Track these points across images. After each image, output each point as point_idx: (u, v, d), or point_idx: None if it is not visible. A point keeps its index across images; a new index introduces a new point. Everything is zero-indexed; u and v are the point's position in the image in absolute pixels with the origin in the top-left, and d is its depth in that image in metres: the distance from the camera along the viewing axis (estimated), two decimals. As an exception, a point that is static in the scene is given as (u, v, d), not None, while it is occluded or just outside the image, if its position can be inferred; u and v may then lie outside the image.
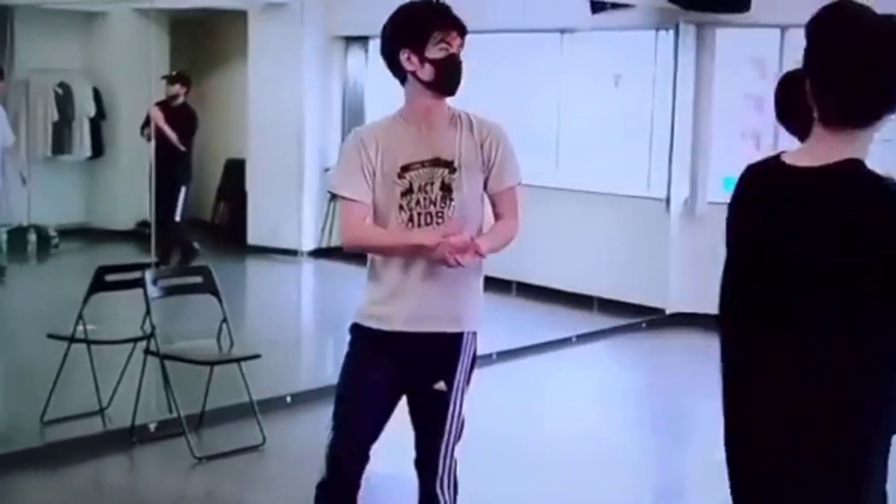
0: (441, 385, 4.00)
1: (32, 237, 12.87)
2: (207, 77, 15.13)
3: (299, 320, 11.24)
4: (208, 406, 6.73)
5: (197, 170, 14.83)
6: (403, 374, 4.00)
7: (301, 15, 12.79)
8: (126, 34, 14.13)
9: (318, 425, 7.34)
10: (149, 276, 6.67)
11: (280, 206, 13.21)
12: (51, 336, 6.94)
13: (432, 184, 3.93)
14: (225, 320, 6.66)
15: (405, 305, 3.93)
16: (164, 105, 11.44)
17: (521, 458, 6.65)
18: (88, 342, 6.76)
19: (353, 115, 13.30)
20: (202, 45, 14.83)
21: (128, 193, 13.31)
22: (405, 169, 3.92)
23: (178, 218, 11.52)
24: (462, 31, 3.96)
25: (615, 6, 10.21)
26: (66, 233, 12.97)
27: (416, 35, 3.89)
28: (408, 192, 3.92)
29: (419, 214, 3.93)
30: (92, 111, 14.26)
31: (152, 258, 9.48)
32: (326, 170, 13.19)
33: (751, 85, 11.12)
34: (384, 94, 13.15)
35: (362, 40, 13.21)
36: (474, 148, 3.98)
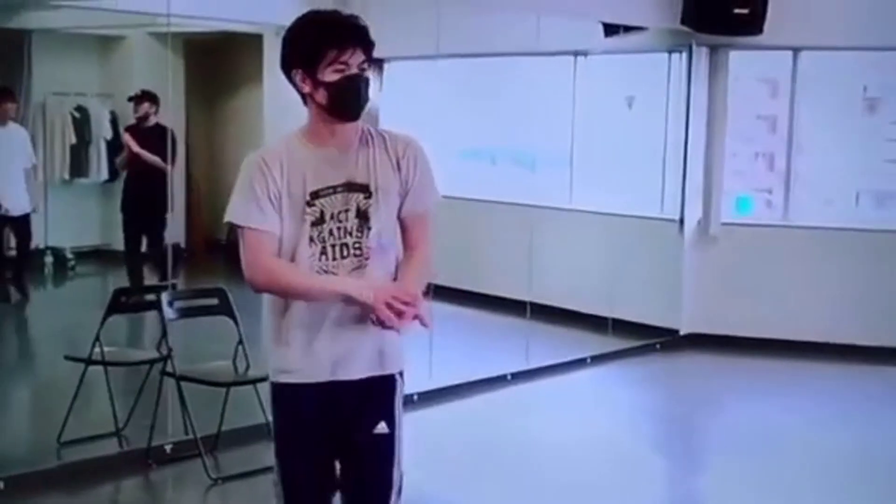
0: (382, 427, 3.57)
1: (49, 259, 12.90)
2: (223, 100, 15.25)
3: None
4: (224, 427, 6.72)
5: (212, 191, 14.96)
6: (337, 425, 3.54)
7: (316, 38, 12.91)
8: (142, 58, 14.19)
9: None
10: (165, 297, 6.68)
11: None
12: (68, 357, 6.96)
13: (347, 211, 3.46)
14: (241, 342, 6.68)
15: (325, 353, 3.47)
16: (136, 128, 11.13)
17: (536, 479, 6.64)
18: (105, 364, 6.77)
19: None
20: (217, 69, 14.91)
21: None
22: (315, 195, 3.44)
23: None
24: (364, 44, 3.41)
25: (628, 29, 10.24)
26: (83, 255, 13.02)
27: (308, 55, 3.39)
28: (319, 221, 3.44)
29: (333, 246, 3.45)
30: (109, 134, 14.29)
31: (169, 280, 9.51)
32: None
33: (763, 106, 11.13)
34: (399, 115, 13.23)
35: (377, 62, 13.24)
36: (390, 168, 3.51)
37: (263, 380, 6.52)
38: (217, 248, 14.25)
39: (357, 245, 3.46)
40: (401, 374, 3.65)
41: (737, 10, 9.81)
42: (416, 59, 12.69)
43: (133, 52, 14.35)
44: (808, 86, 10.62)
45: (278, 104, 13.64)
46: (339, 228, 3.44)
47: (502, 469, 6.71)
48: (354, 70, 3.38)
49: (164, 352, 6.61)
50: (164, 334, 6.61)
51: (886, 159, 10.91)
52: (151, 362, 6.87)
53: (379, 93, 13.39)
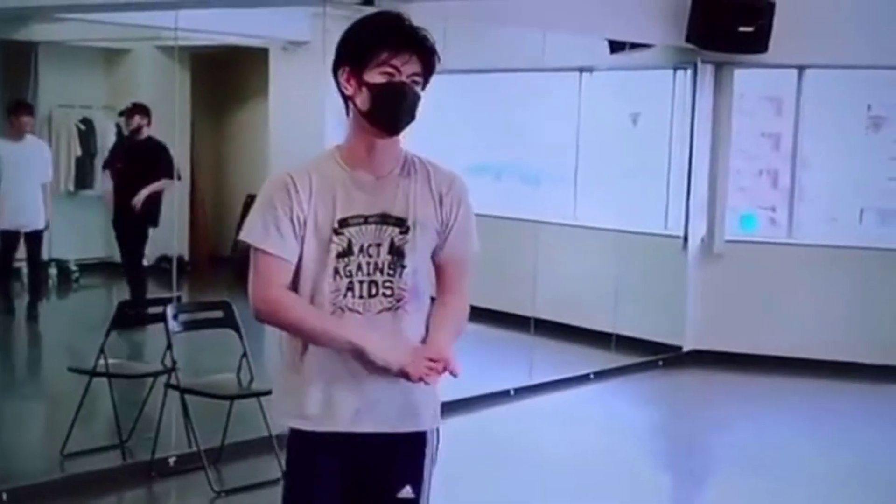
0: (407, 491, 3.17)
1: (53, 271, 12.91)
2: (228, 114, 15.29)
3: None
4: (228, 440, 6.72)
5: (216, 205, 14.99)
6: (356, 483, 3.14)
7: (323, 53, 12.91)
8: (148, 71, 14.25)
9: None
10: (170, 310, 6.68)
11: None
12: (72, 370, 6.96)
13: (379, 245, 3.04)
14: (245, 354, 6.66)
15: (347, 399, 3.05)
16: (128, 141, 11.19)
17: (538, 495, 6.65)
18: (109, 376, 6.75)
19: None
20: (223, 83, 14.95)
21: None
22: (343, 223, 3.03)
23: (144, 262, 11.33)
24: (423, 54, 3.03)
25: (633, 46, 10.27)
26: (87, 267, 13.03)
27: (358, 50, 3.03)
28: (346, 253, 3.03)
29: (361, 283, 3.03)
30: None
31: (173, 293, 9.52)
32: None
33: (768, 124, 11.23)
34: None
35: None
36: (432, 204, 3.09)
37: (267, 393, 6.55)
38: (221, 262, 14.28)
39: (388, 284, 3.04)
40: (436, 431, 3.24)
41: (742, 28, 9.83)
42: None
43: (139, 65, 14.40)
44: (812, 104, 10.65)
45: (284, 118, 13.78)
46: (368, 263, 3.03)
47: (504, 484, 6.72)
48: (403, 78, 3.00)
49: (169, 364, 6.60)
50: (169, 347, 6.58)
51: (890, 177, 10.97)
52: (155, 375, 6.86)
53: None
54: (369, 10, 11.46)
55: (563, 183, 11.79)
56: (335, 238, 3.02)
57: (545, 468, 7.18)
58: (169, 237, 10.92)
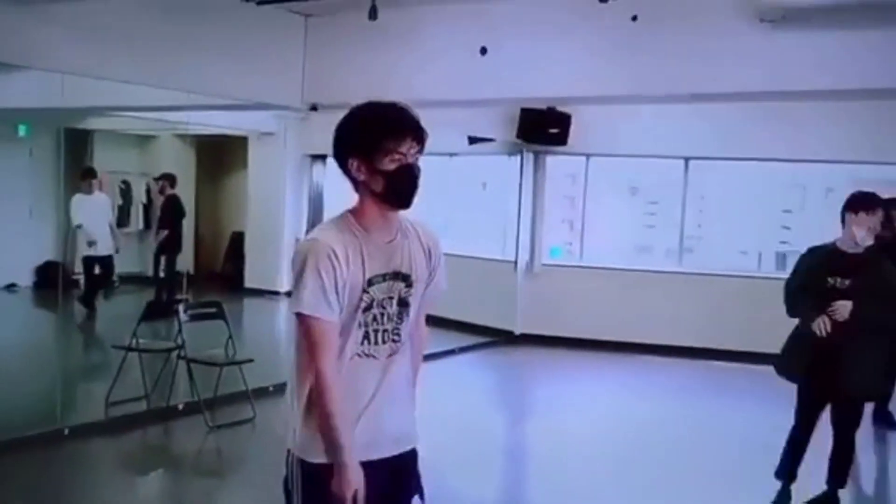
0: (417, 502, 2.64)
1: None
2: (221, 179, 15.21)
3: (278, 337, 11.27)
4: (218, 393, 6.70)
5: (212, 239, 14.91)
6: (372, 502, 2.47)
7: (284, 140, 13.00)
8: (168, 149, 14.14)
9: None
10: (181, 307, 6.73)
11: (266, 262, 13.31)
12: (114, 346, 6.92)
13: (391, 299, 2.49)
14: (230, 337, 6.70)
15: (362, 435, 2.44)
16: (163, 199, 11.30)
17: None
18: (140, 350, 6.73)
19: (315, 205, 13.47)
20: (218, 158, 14.84)
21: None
22: (370, 282, 2.45)
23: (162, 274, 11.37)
24: (418, 136, 2.46)
25: (483, 140, 10.35)
26: (125, 278, 12.81)
27: (367, 144, 2.43)
28: (369, 307, 2.46)
29: (375, 332, 2.48)
30: (144, 199, 14.28)
31: (183, 295, 9.48)
32: (297, 239, 13.31)
33: (568, 190, 11.19)
34: (336, 194, 13.32)
35: (322, 157, 13.38)
36: (424, 259, 2.59)
37: (245, 362, 6.60)
38: (215, 276, 14.23)
39: (396, 331, 2.51)
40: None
41: (551, 130, 9.99)
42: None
43: (162, 146, 14.28)
44: (594, 178, 10.81)
45: (257, 183, 13.76)
46: (382, 314, 2.48)
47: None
48: (409, 160, 2.45)
49: (180, 343, 6.62)
50: (180, 331, 6.60)
51: (644, 224, 11.29)
52: (170, 350, 6.84)
53: (323, 177, 13.51)
54: (316, 113, 11.55)
55: (439, 225, 11.88)
56: (364, 296, 2.44)
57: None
58: (182, 259, 10.93)
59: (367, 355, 2.47)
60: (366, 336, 2.46)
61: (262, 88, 10.03)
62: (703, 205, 10.89)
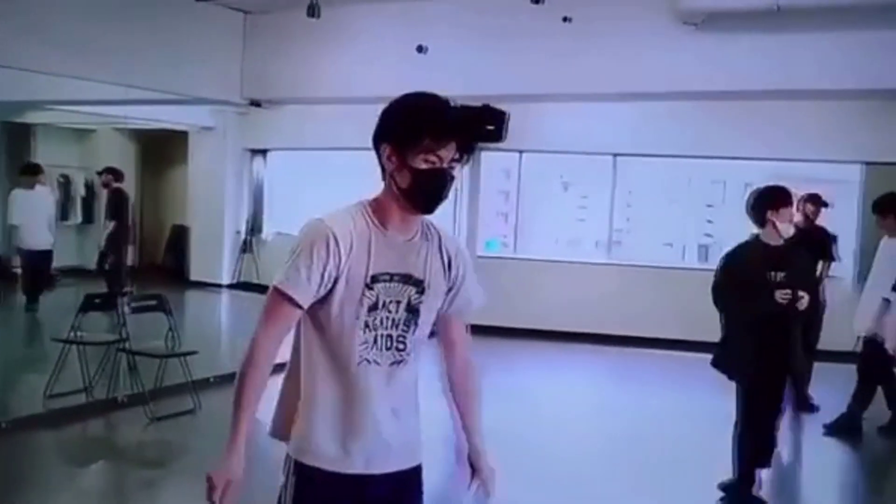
0: None
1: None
2: (162, 173, 14.97)
3: (220, 328, 11.16)
4: (160, 385, 6.59)
5: (154, 232, 14.67)
6: None
7: (224, 135, 12.84)
8: (108, 143, 13.92)
9: (232, 397, 7.40)
10: (122, 299, 6.60)
11: (208, 255, 13.13)
12: (53, 339, 6.77)
13: (399, 302, 2.18)
14: (172, 328, 6.60)
15: (362, 444, 2.19)
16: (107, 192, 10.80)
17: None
18: (80, 343, 6.58)
19: (256, 199, 13.35)
20: (159, 152, 14.62)
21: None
22: (374, 280, 2.16)
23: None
24: (462, 139, 2.14)
25: None
26: (65, 272, 12.54)
27: (404, 136, 2.13)
28: (374, 307, 2.16)
29: (381, 336, 2.18)
30: (83, 193, 14.05)
31: (126, 288, 9.32)
32: (238, 232, 13.19)
33: (502, 185, 11.23)
34: (277, 188, 13.22)
35: (263, 152, 13.25)
36: (441, 268, 2.25)
37: (187, 353, 6.51)
38: (157, 268, 14.00)
39: (401, 339, 2.20)
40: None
41: (488, 127, 10.10)
42: (287, 150, 12.73)
43: (102, 140, 14.07)
44: (527, 173, 10.90)
45: (197, 177, 13.59)
46: (388, 318, 2.18)
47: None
48: (444, 165, 2.13)
49: (121, 335, 6.49)
50: (122, 323, 6.47)
51: (575, 218, 11.40)
52: (111, 343, 6.70)
53: (263, 171, 13.38)
54: (257, 109, 11.41)
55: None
56: (367, 293, 2.15)
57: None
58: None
59: (372, 361, 2.18)
60: (375, 340, 2.17)
61: (201, 84, 9.91)
62: (630, 199, 11.06)
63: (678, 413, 7.28)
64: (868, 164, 9.58)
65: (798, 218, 6.86)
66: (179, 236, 14.08)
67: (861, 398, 6.39)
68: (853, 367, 6.50)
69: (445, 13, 8.64)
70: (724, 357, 4.78)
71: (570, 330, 10.11)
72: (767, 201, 4.62)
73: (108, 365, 6.68)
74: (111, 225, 10.19)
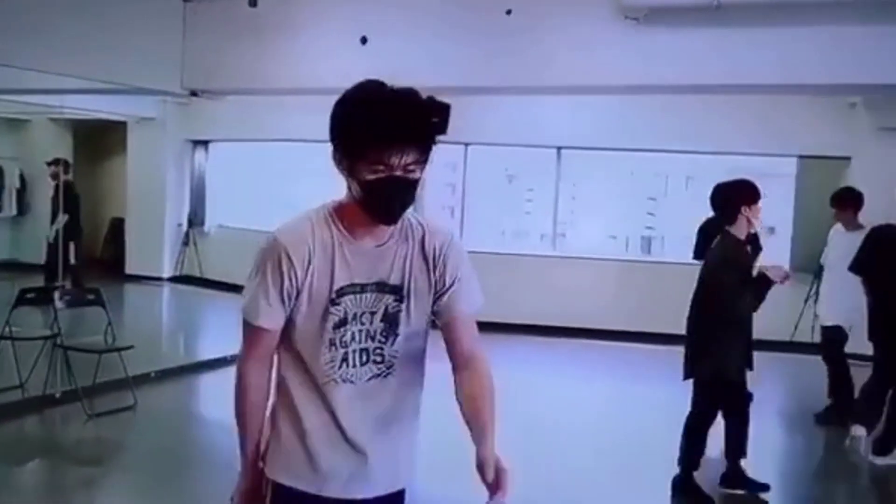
0: None
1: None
2: (99, 164, 14.67)
3: (161, 323, 11.00)
4: (97, 380, 6.45)
5: (91, 224, 14.34)
6: None
7: (164, 125, 12.62)
8: (43, 134, 13.61)
9: (173, 392, 7.28)
10: (57, 294, 6.47)
11: (148, 248, 12.94)
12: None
13: (373, 313, 1.98)
14: (109, 323, 6.52)
15: (337, 466, 2.02)
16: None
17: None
18: (13, 339, 6.43)
19: (197, 191, 13.16)
20: (96, 143, 14.32)
21: (42, 238, 12.84)
22: (340, 293, 1.95)
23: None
24: (418, 142, 1.92)
25: None
26: (-1, 265, 12.27)
27: (348, 146, 1.90)
28: (342, 323, 1.96)
29: (354, 352, 1.99)
30: (18, 185, 13.74)
31: (59, 283, 9.11)
32: (179, 225, 12.99)
33: (448, 178, 11.33)
34: (219, 180, 13.04)
35: (204, 143, 13.07)
36: (425, 268, 2.02)
37: (125, 348, 6.44)
38: (95, 262, 13.71)
39: (379, 351, 2.01)
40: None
41: (433, 120, 10.12)
42: (230, 142, 12.59)
43: (36, 130, 13.77)
44: (473, 165, 10.97)
45: (136, 168, 13.34)
46: (361, 331, 1.98)
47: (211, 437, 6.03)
48: (398, 172, 1.87)
49: (56, 330, 6.37)
50: (56, 319, 6.35)
51: (521, 210, 11.54)
52: (46, 338, 6.57)
53: (205, 162, 13.20)
54: (199, 99, 11.27)
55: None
56: (332, 308, 1.95)
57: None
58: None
59: (343, 380, 1.99)
60: (344, 358, 1.98)
61: (140, 73, 9.69)
62: (575, 192, 11.20)
63: (624, 403, 7.39)
64: (801, 157, 9.85)
65: None
66: (119, 229, 13.85)
67: (838, 384, 6.55)
68: (788, 356, 6.68)
69: (389, 4, 8.59)
70: (718, 361, 4.63)
71: (515, 322, 10.19)
72: (743, 196, 4.66)
73: (43, 361, 6.53)
74: (64, 218, 10.06)
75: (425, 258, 2.03)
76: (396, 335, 2.02)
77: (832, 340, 6.58)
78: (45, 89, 10.08)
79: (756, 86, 7.32)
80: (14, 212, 13.78)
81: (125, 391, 6.42)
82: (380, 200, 1.90)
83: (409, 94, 1.90)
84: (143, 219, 12.97)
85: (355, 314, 1.97)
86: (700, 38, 7.27)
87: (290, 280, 1.92)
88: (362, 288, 1.97)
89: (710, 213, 7.11)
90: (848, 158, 9.44)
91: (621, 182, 11.16)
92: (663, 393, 6.22)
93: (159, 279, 12.80)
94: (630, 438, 6.27)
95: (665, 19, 7.14)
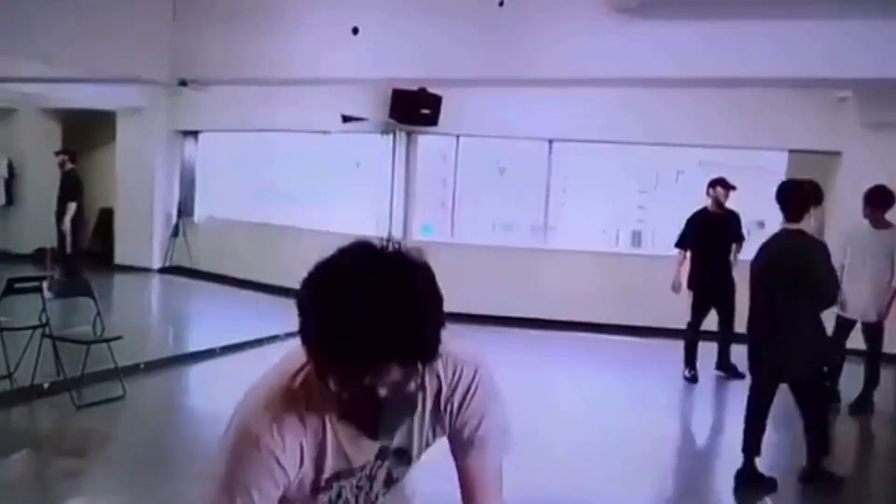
0: None
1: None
2: (88, 154, 14.55)
3: (149, 313, 10.96)
4: (86, 371, 6.43)
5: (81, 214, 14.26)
6: None
7: (154, 115, 12.56)
8: (31, 123, 13.52)
9: (162, 383, 7.25)
10: (45, 284, 6.41)
11: (137, 238, 12.88)
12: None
13: (372, 480, 1.66)
14: (98, 314, 6.50)
15: None
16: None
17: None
18: (2, 329, 6.41)
19: (187, 181, 13.11)
20: (85, 133, 14.21)
21: (31, 228, 12.78)
22: (336, 477, 1.60)
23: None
24: (409, 359, 1.38)
25: (356, 119, 10.34)
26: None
27: (315, 353, 1.39)
28: (334, 500, 1.63)
29: None
30: (6, 174, 13.64)
31: (48, 272, 9.06)
32: (169, 215, 12.94)
33: (440, 170, 11.31)
34: (209, 170, 12.98)
35: (194, 133, 13.01)
36: (438, 424, 1.64)
37: (113, 339, 6.42)
38: (83, 252, 13.62)
39: (377, 500, 1.71)
40: None
41: (423, 111, 10.07)
42: (220, 132, 12.54)
43: (24, 120, 13.67)
44: (465, 157, 10.98)
45: (125, 157, 13.26)
46: (357, 496, 1.66)
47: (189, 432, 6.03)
48: (381, 391, 1.38)
49: (44, 320, 6.33)
50: (44, 308, 6.32)
51: (512, 203, 11.52)
52: (34, 328, 6.51)
53: (195, 153, 13.14)
54: (188, 88, 11.20)
55: (313, 202, 11.83)
56: (322, 493, 1.61)
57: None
58: (48, 236, 10.42)
59: None
60: None
61: (127, 62, 9.61)
62: (566, 185, 11.20)
63: (612, 395, 7.41)
64: (792, 151, 9.87)
65: (708, 202, 7.08)
66: (108, 220, 13.79)
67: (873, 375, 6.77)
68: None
69: (381, -5, 8.57)
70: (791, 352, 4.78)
71: (505, 315, 10.20)
72: (813, 197, 4.97)
73: (32, 351, 6.49)
74: (73, 207, 10.12)
75: (440, 417, 1.63)
76: (397, 481, 1.71)
77: (844, 329, 6.69)
78: (31, 77, 10.00)
79: (749, 79, 7.32)
80: (3, 201, 13.70)
81: (114, 382, 6.41)
82: (360, 421, 1.48)
83: (400, 286, 1.40)
84: (132, 209, 12.91)
85: (351, 485, 1.64)
86: (692, 31, 7.26)
87: (283, 480, 1.52)
88: (361, 468, 1.62)
89: (699, 206, 7.15)
90: (838, 153, 9.47)
91: (612, 175, 11.18)
92: (653, 385, 6.24)
93: (149, 270, 12.76)
94: (617, 431, 6.28)
95: (657, 12, 7.13)
